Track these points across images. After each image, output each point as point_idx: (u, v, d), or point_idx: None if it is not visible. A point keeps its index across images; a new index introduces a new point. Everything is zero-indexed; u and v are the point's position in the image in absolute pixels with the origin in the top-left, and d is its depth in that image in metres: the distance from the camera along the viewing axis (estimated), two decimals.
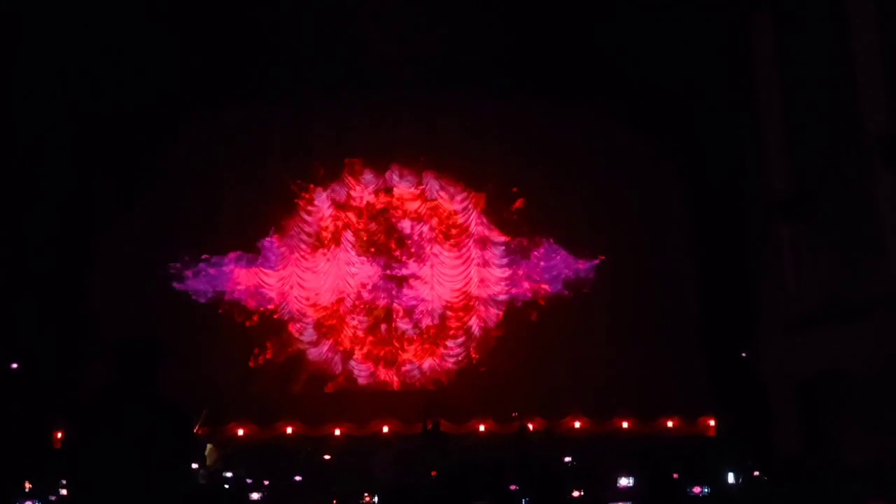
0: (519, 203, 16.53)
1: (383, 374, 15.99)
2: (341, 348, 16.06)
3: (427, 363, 16.04)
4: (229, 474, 11.59)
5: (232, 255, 16.11)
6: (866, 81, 10.54)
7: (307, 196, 16.54)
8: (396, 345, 16.08)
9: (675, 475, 7.83)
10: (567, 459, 12.72)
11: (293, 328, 16.07)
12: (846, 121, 11.04)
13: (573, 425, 15.44)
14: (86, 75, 14.65)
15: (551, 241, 16.41)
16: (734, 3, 13.91)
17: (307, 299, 16.20)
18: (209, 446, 12.89)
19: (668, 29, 14.47)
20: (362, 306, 16.20)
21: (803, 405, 12.49)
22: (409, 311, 16.24)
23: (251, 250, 16.21)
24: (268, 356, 15.86)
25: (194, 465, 10.60)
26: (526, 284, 16.32)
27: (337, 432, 15.35)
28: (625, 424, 15.44)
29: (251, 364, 15.76)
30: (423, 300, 16.27)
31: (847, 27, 10.90)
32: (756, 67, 13.68)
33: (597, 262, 16.26)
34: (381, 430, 15.34)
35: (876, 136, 10.23)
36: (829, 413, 11.81)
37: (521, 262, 16.41)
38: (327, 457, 14.25)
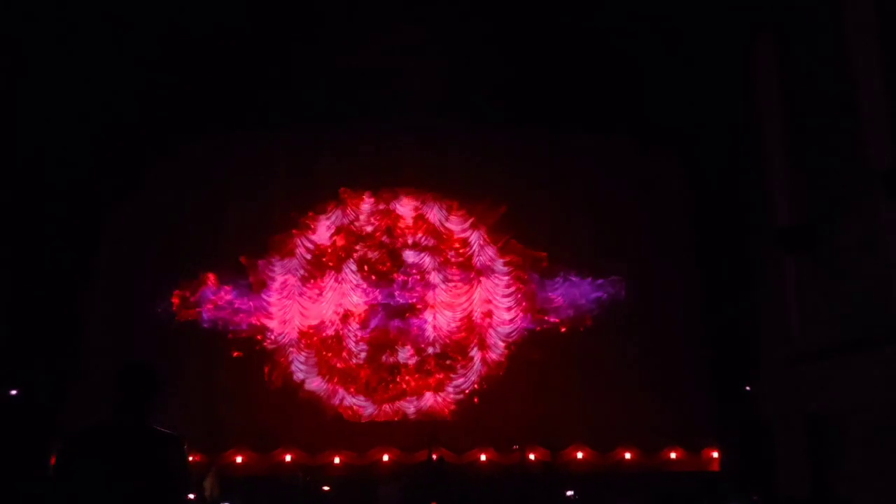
0: (524, 234, 16.49)
1: (384, 403, 15.82)
2: (342, 377, 15.91)
3: (429, 392, 15.89)
4: None
5: (232, 281, 16.02)
6: (870, 115, 10.56)
7: (310, 223, 16.53)
8: (398, 374, 15.94)
9: None
10: (569, 493, 12.56)
11: (293, 356, 15.93)
12: (851, 154, 11.05)
13: (576, 456, 15.27)
14: (95, 95, 14.78)
15: (555, 272, 16.33)
16: (738, 33, 14.02)
17: (308, 327, 16.09)
18: (208, 476, 12.74)
19: (674, 60, 14.60)
20: (364, 335, 16.10)
21: (808, 439, 12.33)
22: (411, 341, 16.10)
23: (252, 277, 16.12)
24: (267, 384, 15.70)
25: (191, 496, 10.47)
26: (529, 315, 16.21)
27: (336, 461, 15.18)
28: (627, 455, 15.28)
29: (250, 391, 15.57)
30: (425, 330, 16.15)
31: (850, 59, 10.95)
32: (760, 100, 13.74)
33: (601, 294, 16.17)
34: (382, 458, 15.18)
35: (880, 170, 10.22)
36: (834, 448, 11.65)
37: (525, 292, 16.32)
38: (326, 488, 14.06)
